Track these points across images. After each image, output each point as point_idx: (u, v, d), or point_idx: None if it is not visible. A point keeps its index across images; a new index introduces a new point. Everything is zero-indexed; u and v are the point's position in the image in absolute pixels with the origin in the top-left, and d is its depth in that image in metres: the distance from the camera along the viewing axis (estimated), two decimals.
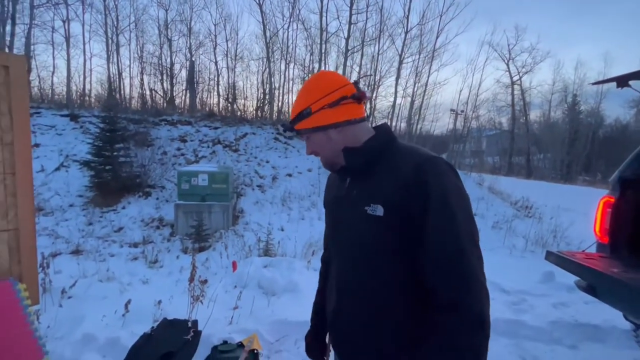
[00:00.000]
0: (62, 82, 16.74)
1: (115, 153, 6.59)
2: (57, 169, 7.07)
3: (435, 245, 0.73)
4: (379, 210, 0.79)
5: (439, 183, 0.75)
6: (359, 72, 13.78)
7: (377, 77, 14.31)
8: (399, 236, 0.78)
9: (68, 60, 12.42)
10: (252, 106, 16.37)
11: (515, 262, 4.95)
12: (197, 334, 1.91)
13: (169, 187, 7.02)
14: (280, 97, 14.94)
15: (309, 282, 3.55)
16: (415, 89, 13.58)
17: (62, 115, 8.89)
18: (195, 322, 2.04)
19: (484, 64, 19.97)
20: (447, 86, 24.29)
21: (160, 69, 15.78)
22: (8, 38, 11.01)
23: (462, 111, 15.75)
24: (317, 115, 0.85)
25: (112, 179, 6.36)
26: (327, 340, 1.12)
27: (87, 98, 13.65)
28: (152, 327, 1.97)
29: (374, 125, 0.94)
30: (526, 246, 5.65)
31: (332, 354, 1.07)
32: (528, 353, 2.53)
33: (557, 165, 28.63)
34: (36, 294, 2.37)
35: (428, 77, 13.76)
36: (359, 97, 0.85)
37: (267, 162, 8.63)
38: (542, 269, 3.97)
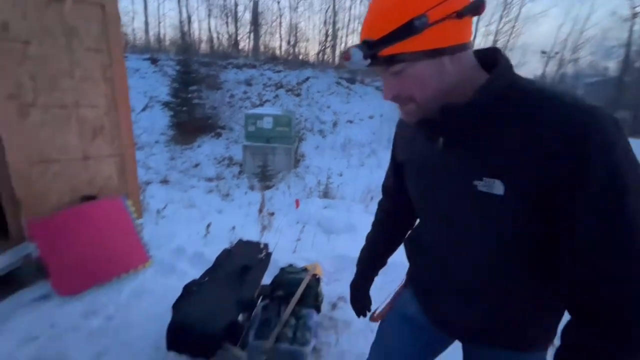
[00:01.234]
0: (141, 27, 17.89)
1: (189, 95, 7.10)
2: (143, 109, 7.92)
3: (594, 236, 0.50)
4: (497, 187, 0.55)
5: (607, 159, 0.47)
6: None
7: None
8: (527, 224, 0.57)
9: (145, 6, 13.09)
10: (314, 49, 15.85)
11: None
12: (268, 254, 2.15)
13: (236, 129, 7.46)
14: (344, 38, 14.13)
15: (366, 224, 3.65)
16: (501, 25, 11.65)
17: (144, 59, 9.66)
18: (266, 245, 2.29)
19: None
20: (542, 21, 20.34)
21: (225, 11, 15.82)
22: None
23: (557, 52, 13.26)
24: (437, 28, 0.52)
25: (188, 120, 6.96)
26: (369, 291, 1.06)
27: (163, 43, 14.52)
28: (231, 245, 2.27)
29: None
30: None
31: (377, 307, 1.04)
32: None
33: None
34: (140, 210, 2.84)
35: (520, 10, 11.62)
36: (480, 9, 0.54)
37: (328, 107, 8.54)
38: None
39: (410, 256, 0.91)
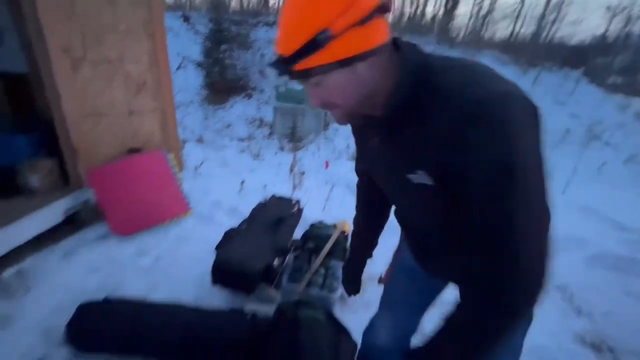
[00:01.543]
0: None
1: (221, 55, 7.08)
2: (178, 68, 8.04)
3: (484, 212, 0.55)
4: (426, 179, 0.61)
5: (484, 149, 0.51)
6: None
7: None
8: (448, 204, 0.61)
9: None
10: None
11: None
12: (300, 209, 2.25)
13: (267, 90, 7.44)
14: None
15: None
16: None
17: (177, 18, 9.63)
18: (298, 201, 2.38)
19: None
20: None
21: None
22: None
23: (625, 8, 11.60)
24: (342, 39, 0.53)
25: (220, 80, 7.02)
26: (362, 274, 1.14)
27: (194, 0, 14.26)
28: (265, 199, 2.39)
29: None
30: None
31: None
32: (635, 289, 2.31)
33: None
34: (180, 163, 3.02)
35: None
36: (387, 7, 0.54)
37: None
38: None
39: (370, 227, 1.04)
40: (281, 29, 0.56)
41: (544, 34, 11.24)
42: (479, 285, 0.59)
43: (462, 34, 11.18)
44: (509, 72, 8.02)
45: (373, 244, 1.09)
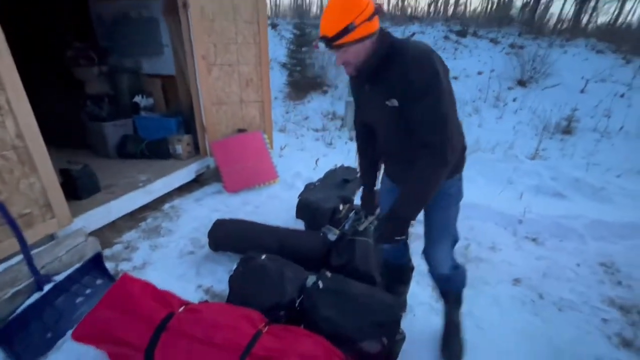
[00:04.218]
0: None
1: (302, 56, 8.00)
2: None
3: (420, 109, 1.07)
4: (395, 102, 1.12)
5: (418, 73, 1.04)
6: None
7: None
8: (407, 114, 1.12)
9: None
10: (426, 0, 14.74)
11: None
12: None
13: (340, 86, 8.13)
14: None
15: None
16: None
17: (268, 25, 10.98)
18: None
19: None
20: None
21: None
22: None
23: None
24: (360, 29, 1.04)
25: (301, 78, 7.94)
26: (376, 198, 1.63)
27: (279, 8, 15.79)
28: (335, 166, 3.04)
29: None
30: None
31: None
32: None
33: None
34: (272, 143, 3.86)
35: None
36: (380, 12, 1.10)
37: None
38: None
39: (378, 152, 1.48)
40: (325, 21, 1.08)
41: (583, 18, 9.57)
42: (425, 150, 1.10)
43: (553, 22, 10.20)
44: (604, 62, 7.25)
45: (376, 175, 1.61)
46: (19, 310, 1.55)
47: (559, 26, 9.93)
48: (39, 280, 1.66)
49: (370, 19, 1.06)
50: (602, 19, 10.55)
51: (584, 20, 10.34)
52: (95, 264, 1.92)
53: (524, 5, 11.08)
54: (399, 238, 1.21)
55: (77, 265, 1.83)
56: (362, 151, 1.57)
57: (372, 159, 1.57)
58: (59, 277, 1.73)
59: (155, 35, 3.51)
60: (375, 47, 1.12)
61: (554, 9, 11.03)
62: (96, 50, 3.64)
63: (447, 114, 1.08)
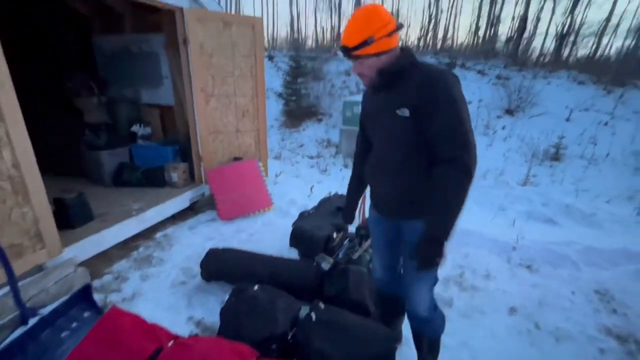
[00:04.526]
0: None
1: (298, 86, 8.29)
2: None
3: (443, 121, 1.08)
4: (406, 112, 1.13)
5: (443, 86, 1.08)
6: None
7: None
8: (420, 127, 1.13)
9: (274, 10, 15.08)
10: (415, 34, 15.57)
11: None
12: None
13: (335, 115, 8.36)
14: (447, 21, 13.51)
15: None
16: None
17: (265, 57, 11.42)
18: None
19: None
20: None
21: (330, 4, 16.85)
22: None
23: None
24: (379, 43, 1.11)
25: (296, 107, 8.17)
26: (356, 212, 1.64)
27: (276, 41, 16.52)
28: (330, 195, 3.07)
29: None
30: None
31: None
32: None
33: None
34: (267, 171, 3.91)
35: None
36: (400, 29, 1.16)
37: None
38: None
39: (366, 173, 1.45)
40: (347, 32, 1.14)
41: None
42: (451, 165, 1.09)
43: (536, 55, 10.78)
44: (586, 92, 7.59)
45: (362, 189, 1.64)
46: (2, 346, 1.50)
47: (541, 59, 10.48)
48: (24, 314, 1.61)
49: (390, 35, 1.12)
50: (582, 52, 11.20)
51: (565, 53, 10.94)
52: (84, 295, 1.87)
53: (508, 40, 11.74)
54: (439, 260, 1.17)
55: (65, 297, 1.79)
56: (355, 165, 1.59)
57: (360, 174, 1.56)
58: (46, 310, 1.68)
59: (155, 68, 3.65)
60: (393, 62, 1.17)
61: (536, 43, 11.69)
62: (96, 80, 3.75)
63: (469, 129, 1.10)
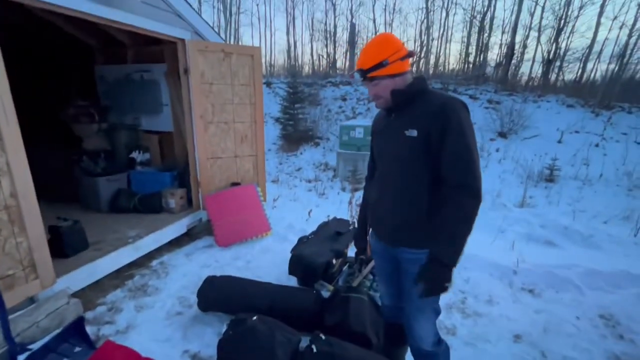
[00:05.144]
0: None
1: (295, 111, 8.46)
2: None
3: (453, 149, 1.13)
4: (414, 133, 1.18)
5: (455, 115, 1.13)
6: (542, 7, 11.18)
7: (568, 11, 11.18)
8: (426, 148, 1.18)
9: (272, 39, 15.67)
10: (408, 61, 16.17)
11: None
12: (355, 228, 2.85)
13: (332, 138, 8.48)
14: (438, 48, 14.07)
15: None
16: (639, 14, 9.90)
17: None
18: (354, 222, 2.99)
19: None
20: None
21: (326, 34, 17.55)
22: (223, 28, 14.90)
23: None
24: (392, 66, 1.19)
25: (294, 132, 8.30)
26: (367, 236, 1.62)
27: (274, 68, 17.04)
28: (328, 219, 3.06)
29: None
30: None
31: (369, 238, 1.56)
32: None
33: None
34: (265, 195, 3.90)
35: None
36: (412, 55, 1.25)
37: None
38: None
39: (369, 195, 1.50)
40: (363, 55, 1.22)
41: (622, 71, 10.60)
42: (460, 190, 1.13)
43: (525, 80, 11.17)
44: (575, 115, 7.81)
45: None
46: None
47: (530, 83, 10.85)
48: (12, 351, 1.55)
49: (402, 59, 1.20)
50: (569, 76, 11.66)
51: (552, 77, 11.35)
52: (76, 329, 1.81)
53: (497, 65, 12.18)
54: (448, 285, 1.16)
55: (56, 331, 1.73)
56: (366, 190, 1.61)
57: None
58: (35, 346, 1.62)
59: (156, 96, 3.72)
60: (407, 85, 1.24)
61: (524, 69, 12.15)
62: (97, 107, 3.81)
63: (477, 156, 1.14)
